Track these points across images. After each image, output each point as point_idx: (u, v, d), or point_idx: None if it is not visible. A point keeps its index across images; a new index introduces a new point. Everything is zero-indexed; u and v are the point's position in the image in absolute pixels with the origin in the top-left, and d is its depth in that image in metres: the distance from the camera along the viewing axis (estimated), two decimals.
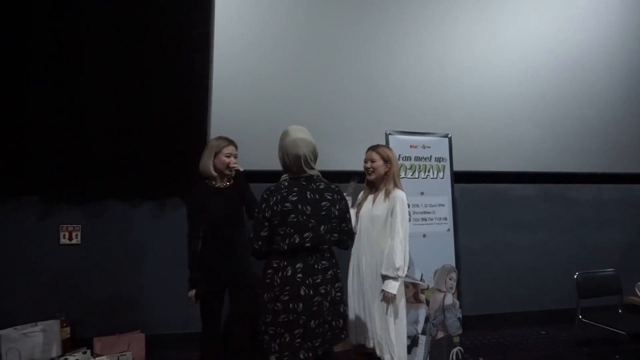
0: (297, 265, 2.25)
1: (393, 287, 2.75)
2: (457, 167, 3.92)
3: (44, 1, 3.45)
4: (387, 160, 2.96)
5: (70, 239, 3.61)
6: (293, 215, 2.24)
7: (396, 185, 2.95)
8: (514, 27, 4.44)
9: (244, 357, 3.10)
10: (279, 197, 2.25)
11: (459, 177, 4.02)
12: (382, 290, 2.77)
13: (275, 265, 2.27)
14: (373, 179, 2.99)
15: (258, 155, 3.62)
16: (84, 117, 3.55)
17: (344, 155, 3.79)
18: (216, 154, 2.90)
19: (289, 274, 2.24)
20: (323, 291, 2.28)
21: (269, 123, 3.78)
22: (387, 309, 2.83)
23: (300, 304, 2.23)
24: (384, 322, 2.85)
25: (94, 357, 3.27)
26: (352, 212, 2.91)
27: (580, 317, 3.50)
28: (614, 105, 4.74)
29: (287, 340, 2.22)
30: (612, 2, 4.70)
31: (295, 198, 2.26)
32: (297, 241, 2.24)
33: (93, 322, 3.59)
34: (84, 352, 3.28)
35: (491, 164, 4.43)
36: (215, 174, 2.91)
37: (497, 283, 4.41)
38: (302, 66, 3.98)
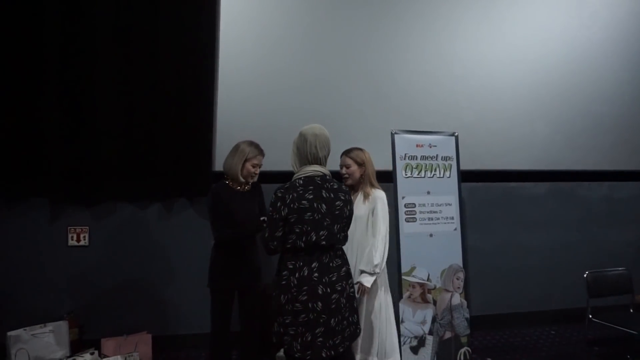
0: (313, 265, 2.27)
1: (368, 281, 2.82)
2: (465, 166, 3.89)
3: (56, 6, 3.47)
4: (361, 164, 3.01)
5: (79, 240, 3.64)
6: (309, 213, 2.26)
7: (373, 186, 3.01)
8: (523, 24, 4.37)
9: (252, 358, 3.12)
10: (294, 194, 2.26)
11: (466, 176, 3.99)
12: (358, 282, 2.80)
13: (290, 266, 2.27)
14: (350, 184, 3.03)
15: (265, 155, 3.62)
16: (91, 120, 3.57)
17: None
18: (245, 161, 2.92)
19: (305, 274, 2.25)
20: (339, 288, 2.31)
21: (273, 123, 3.81)
22: (378, 309, 2.92)
23: (319, 303, 2.24)
24: (374, 326, 2.93)
25: (102, 358, 3.30)
26: None
27: (590, 316, 3.45)
28: (626, 101, 4.67)
29: (309, 339, 2.24)
30: None
31: (312, 196, 2.28)
32: (313, 239, 2.25)
33: (101, 323, 3.62)
34: (92, 353, 3.30)
35: (500, 162, 4.38)
36: (242, 180, 2.94)
37: (506, 283, 4.37)
38: (307, 66, 3.96)
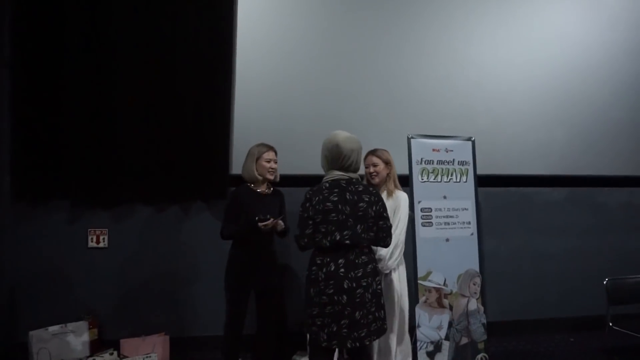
0: (340, 261, 2.43)
1: None
2: (482, 171, 3.87)
3: (78, 12, 3.56)
4: (387, 163, 3.10)
5: (98, 242, 3.70)
6: (334, 214, 2.44)
7: (396, 186, 3.10)
8: (540, 28, 4.35)
9: (270, 356, 3.15)
10: (320, 197, 2.45)
11: (483, 181, 3.97)
12: None
13: (319, 262, 2.45)
14: (377, 182, 3.09)
15: (281, 158, 3.65)
16: (111, 124, 3.64)
17: None
18: (257, 160, 3.05)
19: (332, 269, 2.42)
20: (364, 284, 2.45)
21: (289, 128, 3.85)
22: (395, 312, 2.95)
23: (344, 296, 2.40)
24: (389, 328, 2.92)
25: (121, 358, 3.34)
26: None
27: (610, 324, 3.39)
28: None
29: (335, 329, 2.40)
30: None
31: (336, 198, 2.46)
32: (337, 238, 2.43)
33: (120, 324, 3.67)
34: (111, 354, 3.35)
35: (517, 167, 4.34)
36: (259, 177, 3.05)
37: (524, 289, 4.31)
38: (323, 71, 3.99)
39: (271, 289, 3.08)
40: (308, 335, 2.56)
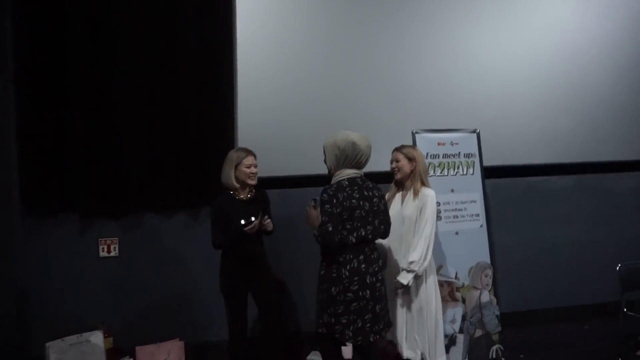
0: (360, 257, 2.52)
1: (404, 277, 2.81)
2: (488, 163, 3.87)
3: (80, 18, 3.56)
4: (411, 159, 3.02)
5: (109, 251, 3.72)
6: (358, 211, 2.51)
7: (424, 184, 2.99)
8: (541, 15, 4.32)
9: (279, 358, 3.18)
10: (344, 194, 2.49)
11: (490, 173, 3.96)
12: (396, 280, 2.83)
13: (341, 259, 2.49)
14: (399, 178, 3.05)
15: (285, 161, 3.66)
16: (118, 135, 3.64)
17: (372, 157, 3.77)
18: (236, 166, 2.97)
19: (355, 265, 2.50)
20: (380, 277, 2.61)
21: (294, 129, 3.84)
22: (418, 308, 2.91)
23: (368, 291, 2.50)
24: (413, 321, 2.93)
25: None
26: None
27: (625, 310, 3.38)
28: None
29: (359, 325, 2.47)
30: None
31: (358, 195, 2.53)
32: (362, 234, 2.52)
33: (134, 332, 3.68)
34: None
35: (523, 157, 4.33)
36: (237, 185, 2.98)
37: (536, 278, 4.30)
38: (326, 69, 3.99)
39: (267, 289, 3.08)
40: (323, 335, 2.57)
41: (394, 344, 3.01)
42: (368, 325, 2.49)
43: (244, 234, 2.82)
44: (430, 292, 2.96)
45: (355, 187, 2.54)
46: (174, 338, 3.60)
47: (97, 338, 3.44)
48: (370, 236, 2.56)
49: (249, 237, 2.89)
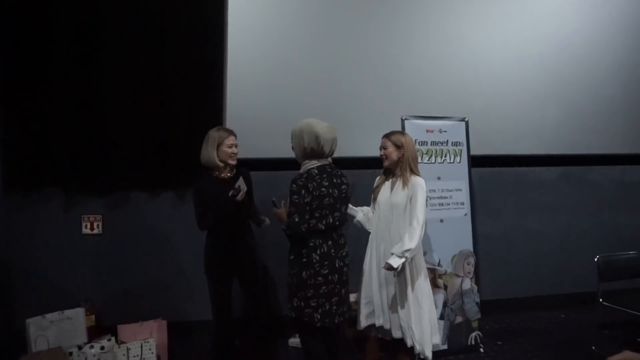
0: (329, 242, 2.58)
1: (395, 261, 2.75)
2: (476, 151, 3.88)
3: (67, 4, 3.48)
4: (399, 146, 2.98)
5: (92, 229, 3.69)
6: (327, 199, 2.54)
7: (413, 172, 2.96)
8: (533, 5, 4.30)
9: (263, 340, 3.20)
10: (314, 183, 2.50)
11: (477, 162, 3.98)
12: (386, 262, 2.78)
13: (311, 244, 2.53)
14: (387, 165, 3.04)
15: (273, 143, 3.62)
16: (104, 110, 3.59)
17: (360, 142, 3.77)
18: (218, 146, 2.92)
19: (325, 250, 2.55)
20: (347, 262, 2.68)
21: (283, 111, 3.80)
22: (408, 295, 2.92)
23: (336, 275, 2.58)
24: (405, 308, 2.93)
25: (119, 344, 3.36)
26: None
27: (600, 300, 3.45)
28: (639, 84, 4.59)
29: (327, 308, 2.55)
30: None
31: (327, 183, 2.56)
32: (330, 221, 2.57)
33: (116, 310, 3.68)
34: (109, 339, 3.36)
35: (510, 147, 4.36)
36: (221, 164, 2.94)
37: (517, 267, 4.37)
38: (316, 53, 3.94)
39: (252, 273, 3.07)
40: (297, 319, 2.59)
41: (384, 330, 3.02)
42: (334, 307, 2.58)
43: (235, 206, 2.79)
44: (425, 279, 3.02)
45: (325, 175, 2.56)
46: (156, 317, 3.61)
47: (79, 315, 3.43)
48: (337, 222, 2.61)
49: (238, 223, 2.90)
